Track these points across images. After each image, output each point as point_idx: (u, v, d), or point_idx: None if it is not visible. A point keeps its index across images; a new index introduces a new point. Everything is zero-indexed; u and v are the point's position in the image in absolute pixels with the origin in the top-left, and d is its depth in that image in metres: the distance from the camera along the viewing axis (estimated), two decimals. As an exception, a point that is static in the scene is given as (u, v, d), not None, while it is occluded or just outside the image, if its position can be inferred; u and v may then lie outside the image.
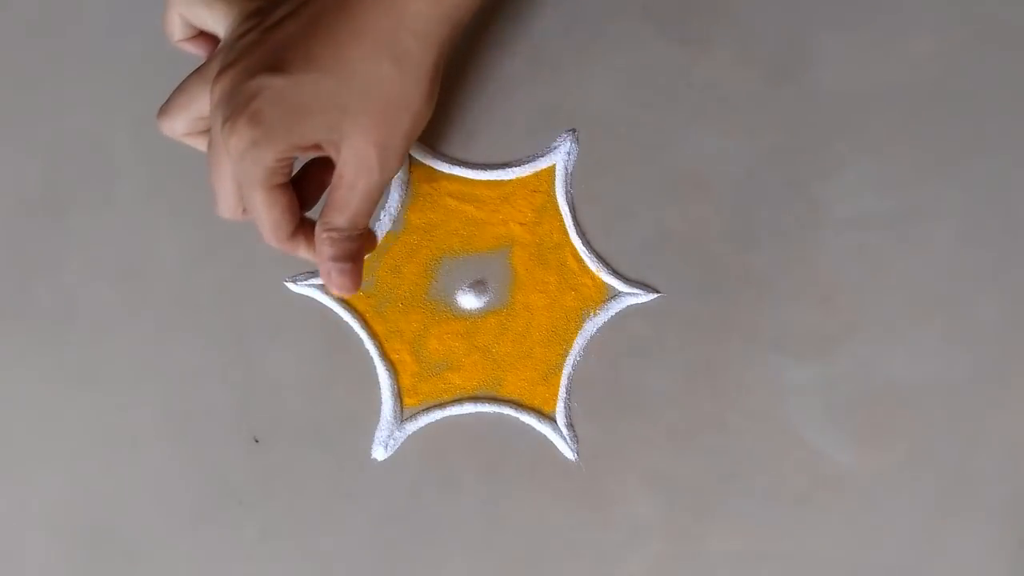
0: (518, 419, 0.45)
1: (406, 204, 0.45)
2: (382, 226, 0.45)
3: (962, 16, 0.46)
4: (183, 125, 0.38)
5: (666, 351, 0.45)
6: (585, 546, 0.44)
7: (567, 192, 0.45)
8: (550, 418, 0.45)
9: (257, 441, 0.45)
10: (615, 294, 0.45)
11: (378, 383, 0.45)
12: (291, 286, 0.45)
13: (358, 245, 0.37)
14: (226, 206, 0.37)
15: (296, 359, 0.45)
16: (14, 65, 0.45)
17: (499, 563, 0.44)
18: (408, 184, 0.45)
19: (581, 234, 0.45)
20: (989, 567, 0.45)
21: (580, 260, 0.45)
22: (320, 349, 0.45)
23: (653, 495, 0.45)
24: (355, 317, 0.45)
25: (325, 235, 0.36)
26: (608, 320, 0.45)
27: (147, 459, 0.44)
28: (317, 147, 0.35)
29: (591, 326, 0.45)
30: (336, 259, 0.36)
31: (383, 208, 0.45)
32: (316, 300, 0.45)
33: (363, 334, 0.45)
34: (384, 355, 0.45)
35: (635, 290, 0.45)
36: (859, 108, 0.45)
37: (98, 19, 0.45)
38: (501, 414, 0.45)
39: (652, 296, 0.45)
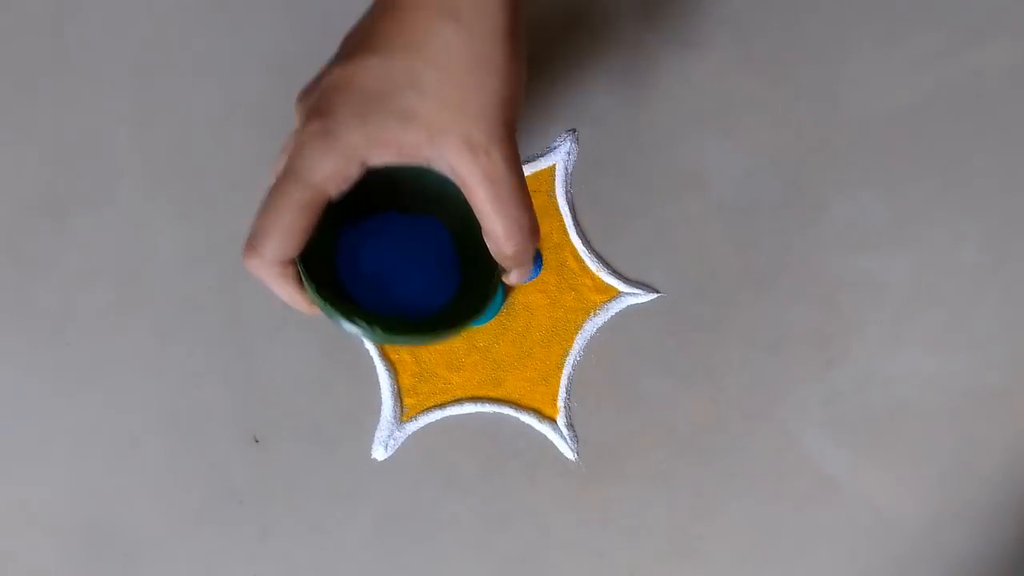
0: (518, 419, 0.45)
1: (406, 204, 0.45)
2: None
3: (962, 18, 0.46)
4: None
5: (666, 351, 0.45)
6: (585, 546, 0.44)
7: (567, 192, 0.45)
8: (550, 418, 0.45)
9: (257, 441, 0.45)
10: (615, 294, 0.45)
11: (378, 383, 0.45)
12: (291, 286, 0.45)
13: (522, 253, 0.32)
14: (279, 238, 0.31)
15: (296, 359, 0.45)
16: (15, 65, 0.45)
17: (499, 563, 0.44)
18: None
19: (581, 234, 0.45)
20: (989, 567, 0.45)
21: (580, 260, 0.45)
22: (320, 349, 0.45)
23: (653, 495, 0.45)
24: (355, 317, 0.45)
25: (500, 265, 0.33)
26: (608, 320, 0.45)
27: (147, 459, 0.44)
28: (405, 150, 0.31)
29: (591, 326, 0.45)
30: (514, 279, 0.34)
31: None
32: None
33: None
34: (384, 355, 0.45)
35: (635, 290, 0.45)
36: (859, 108, 0.45)
37: (98, 19, 0.45)
38: (501, 414, 0.45)
39: (652, 296, 0.45)
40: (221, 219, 0.45)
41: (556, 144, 0.45)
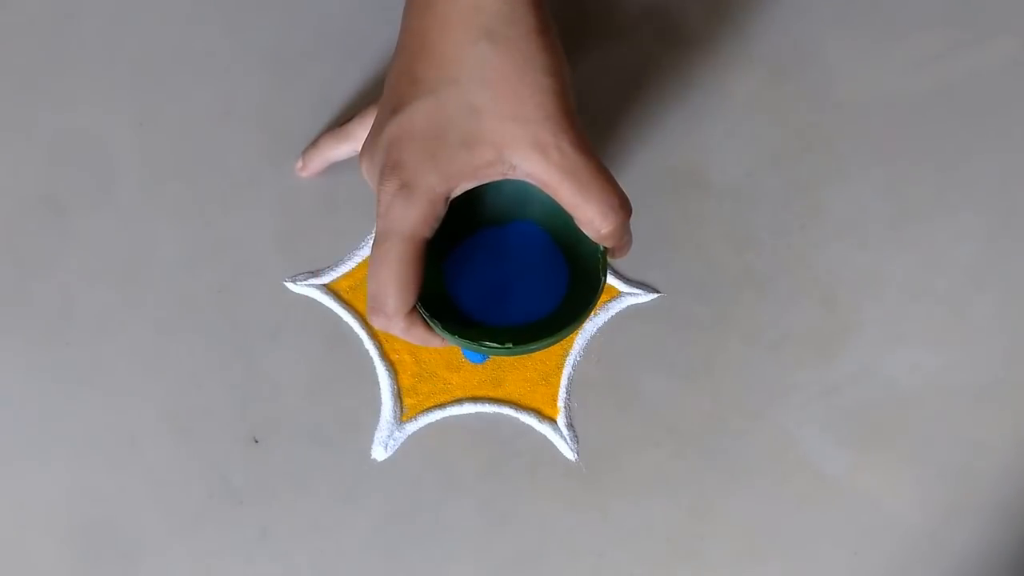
0: (518, 419, 0.45)
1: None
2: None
3: (962, 18, 0.46)
4: (319, 168, 0.43)
5: (666, 351, 0.45)
6: (585, 546, 0.44)
7: (567, 192, 0.45)
8: (550, 418, 0.45)
9: (257, 441, 0.44)
10: (615, 294, 0.45)
11: (378, 383, 0.45)
12: (291, 286, 0.45)
13: (620, 228, 0.33)
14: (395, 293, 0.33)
15: (296, 359, 0.45)
16: (14, 64, 0.45)
17: (499, 563, 0.44)
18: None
19: (581, 234, 0.45)
20: (989, 567, 0.45)
21: (580, 260, 0.45)
22: (320, 349, 0.45)
23: (653, 495, 0.45)
24: (355, 317, 0.45)
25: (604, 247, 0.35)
26: (608, 320, 0.45)
27: (147, 459, 0.44)
28: (480, 172, 0.32)
29: (591, 326, 0.45)
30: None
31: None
32: (316, 300, 0.45)
33: (363, 334, 0.45)
34: (384, 355, 0.45)
35: (635, 290, 0.45)
36: (859, 108, 0.45)
37: (98, 18, 0.45)
38: (501, 414, 0.45)
39: (652, 296, 0.45)
40: (221, 219, 0.45)
41: (556, 144, 0.45)
